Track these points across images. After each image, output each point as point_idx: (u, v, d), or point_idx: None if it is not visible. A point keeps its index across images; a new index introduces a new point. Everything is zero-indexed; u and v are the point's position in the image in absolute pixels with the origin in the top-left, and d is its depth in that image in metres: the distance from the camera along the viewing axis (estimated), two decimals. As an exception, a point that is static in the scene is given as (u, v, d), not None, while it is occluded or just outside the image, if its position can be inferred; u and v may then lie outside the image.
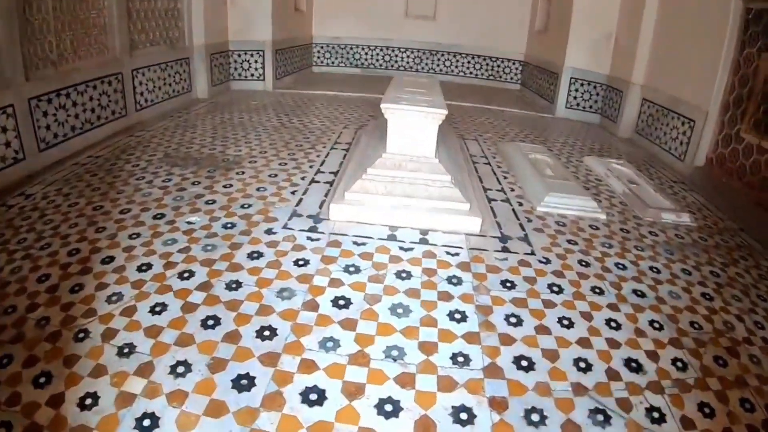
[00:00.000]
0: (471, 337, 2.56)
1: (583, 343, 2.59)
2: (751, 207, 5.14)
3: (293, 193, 4.08)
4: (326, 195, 4.06)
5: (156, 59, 6.23)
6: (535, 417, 2.10)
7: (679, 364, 2.51)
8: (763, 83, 5.33)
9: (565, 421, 2.09)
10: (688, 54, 6.32)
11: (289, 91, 8.11)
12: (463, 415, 2.06)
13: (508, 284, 3.03)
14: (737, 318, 2.99)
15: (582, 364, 2.44)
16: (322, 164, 4.78)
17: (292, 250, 3.18)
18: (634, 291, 3.12)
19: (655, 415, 2.19)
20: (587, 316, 2.80)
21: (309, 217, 3.66)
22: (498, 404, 2.14)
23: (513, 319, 2.72)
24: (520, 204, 4.35)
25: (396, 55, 9.71)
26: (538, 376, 2.34)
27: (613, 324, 2.75)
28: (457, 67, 9.89)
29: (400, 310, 2.71)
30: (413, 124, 3.74)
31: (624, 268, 3.40)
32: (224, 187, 4.10)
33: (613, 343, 2.60)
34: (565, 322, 2.74)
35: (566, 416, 2.12)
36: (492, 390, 2.21)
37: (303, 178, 4.39)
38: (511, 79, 10.00)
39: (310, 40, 9.50)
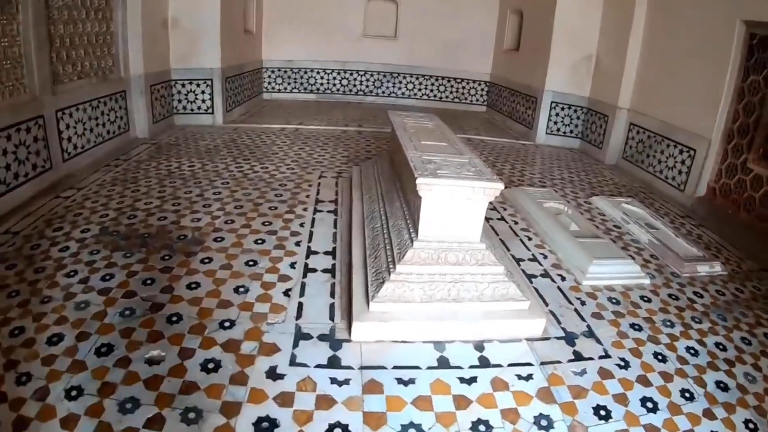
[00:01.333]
0: None
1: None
2: (764, 241, 4.76)
3: (287, 294, 3.06)
4: (332, 295, 3.09)
5: (86, 95, 4.99)
6: None
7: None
8: None
9: None
10: (684, 80, 5.90)
11: (243, 126, 6.96)
12: None
13: (602, 412, 2.43)
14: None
15: None
16: (311, 239, 3.78)
17: (319, 408, 2.20)
18: (718, 384, 2.79)
19: None
20: (692, 436, 2.36)
21: (322, 339, 2.67)
22: None
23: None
24: (563, 278, 3.70)
25: (354, 79, 8.79)
26: None
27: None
28: (420, 89, 9.13)
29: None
30: (457, 203, 2.86)
31: (696, 353, 3.06)
32: (189, 288, 3.01)
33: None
34: (677, 452, 2.28)
35: None
36: None
37: (293, 266, 3.38)
38: (477, 100, 9.38)
39: (260, 65, 8.36)
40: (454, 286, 2.85)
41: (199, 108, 6.73)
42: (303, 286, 3.15)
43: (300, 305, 2.94)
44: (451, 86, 9.19)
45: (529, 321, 2.89)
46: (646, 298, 3.65)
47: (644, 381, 2.69)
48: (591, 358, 2.82)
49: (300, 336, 2.67)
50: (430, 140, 3.60)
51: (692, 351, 3.07)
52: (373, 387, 2.36)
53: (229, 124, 6.97)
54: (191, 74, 6.52)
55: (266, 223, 3.95)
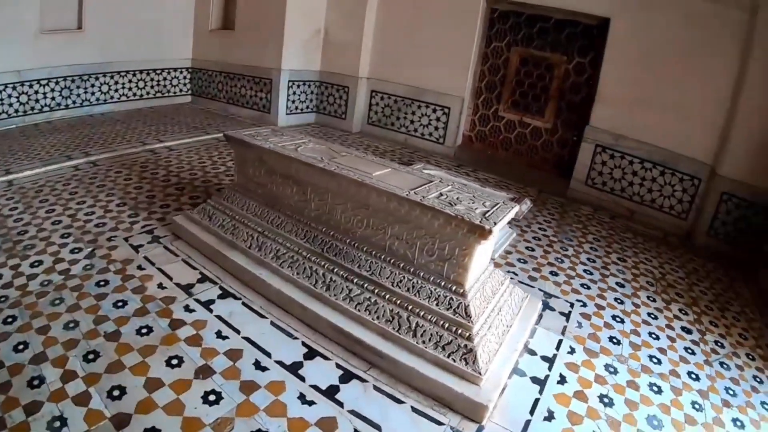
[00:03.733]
0: None
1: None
2: (525, 170, 5.81)
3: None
4: (395, 400, 2.24)
5: None
6: None
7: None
8: (515, 72, 5.77)
9: None
10: (434, 49, 6.28)
11: None
12: None
13: (614, 341, 3.01)
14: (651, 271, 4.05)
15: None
16: (260, 349, 2.47)
17: None
18: (619, 285, 3.71)
19: None
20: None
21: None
22: None
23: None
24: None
25: (35, 92, 5.71)
26: None
27: (653, 316, 3.37)
28: (117, 90, 6.78)
29: None
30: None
31: (591, 272, 3.82)
32: None
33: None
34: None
35: None
36: None
37: (304, 400, 2.18)
38: (181, 91, 7.67)
39: None
40: (502, 314, 2.60)
41: None
42: (359, 415, 2.12)
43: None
44: (152, 80, 7.19)
45: (534, 308, 2.97)
46: (530, 248, 4.12)
47: (600, 306, 3.36)
48: (569, 312, 3.22)
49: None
50: (376, 169, 2.79)
51: (588, 272, 3.81)
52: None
53: None
54: None
55: (173, 363, 2.34)
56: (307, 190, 2.86)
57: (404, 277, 2.51)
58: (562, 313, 3.15)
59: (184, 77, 7.67)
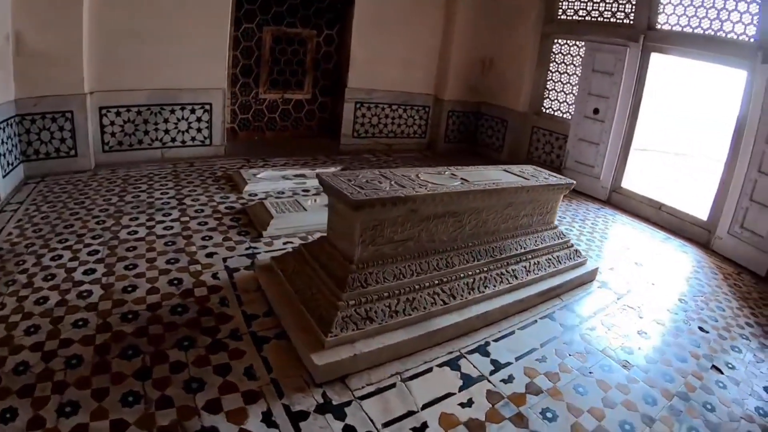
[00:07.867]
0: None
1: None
2: (300, 141, 6.86)
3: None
4: None
5: None
6: None
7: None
8: (270, 52, 6.24)
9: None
10: (174, 41, 5.43)
11: None
12: None
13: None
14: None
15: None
16: None
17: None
18: None
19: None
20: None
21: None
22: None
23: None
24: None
25: None
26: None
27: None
28: None
29: None
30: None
31: None
32: None
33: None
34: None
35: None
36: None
37: None
38: None
39: None
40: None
41: None
42: (581, 315, 3.63)
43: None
44: None
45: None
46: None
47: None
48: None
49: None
50: (488, 173, 3.73)
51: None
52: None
53: None
54: None
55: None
56: (463, 217, 3.27)
57: (536, 238, 3.79)
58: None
59: None
